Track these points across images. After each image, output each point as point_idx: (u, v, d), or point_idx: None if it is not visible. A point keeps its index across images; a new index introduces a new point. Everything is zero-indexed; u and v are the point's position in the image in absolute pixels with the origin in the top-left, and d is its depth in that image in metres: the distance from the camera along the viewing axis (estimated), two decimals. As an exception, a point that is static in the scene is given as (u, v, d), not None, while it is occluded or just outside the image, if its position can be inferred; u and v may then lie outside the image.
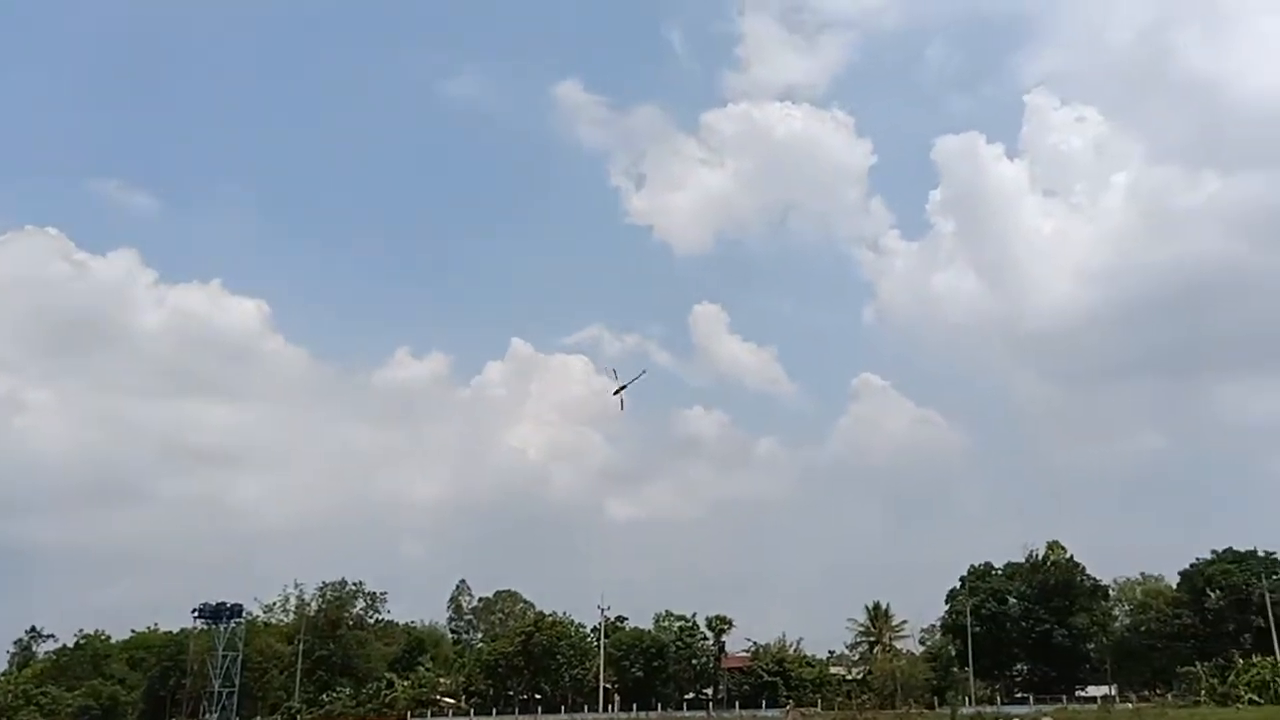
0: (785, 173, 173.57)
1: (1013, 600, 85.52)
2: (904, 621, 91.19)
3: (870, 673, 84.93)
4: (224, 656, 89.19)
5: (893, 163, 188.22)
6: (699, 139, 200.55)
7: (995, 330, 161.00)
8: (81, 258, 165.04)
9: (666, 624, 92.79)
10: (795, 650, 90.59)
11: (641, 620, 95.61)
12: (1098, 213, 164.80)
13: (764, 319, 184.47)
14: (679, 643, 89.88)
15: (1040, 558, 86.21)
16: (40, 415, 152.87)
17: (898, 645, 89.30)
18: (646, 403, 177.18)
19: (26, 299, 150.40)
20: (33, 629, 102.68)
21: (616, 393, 73.63)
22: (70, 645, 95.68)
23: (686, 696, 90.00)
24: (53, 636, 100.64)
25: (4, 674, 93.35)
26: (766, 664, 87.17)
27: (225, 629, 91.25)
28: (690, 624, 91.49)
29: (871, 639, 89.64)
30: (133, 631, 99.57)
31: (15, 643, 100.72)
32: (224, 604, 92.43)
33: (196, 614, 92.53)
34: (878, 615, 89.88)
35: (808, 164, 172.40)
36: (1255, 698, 61.24)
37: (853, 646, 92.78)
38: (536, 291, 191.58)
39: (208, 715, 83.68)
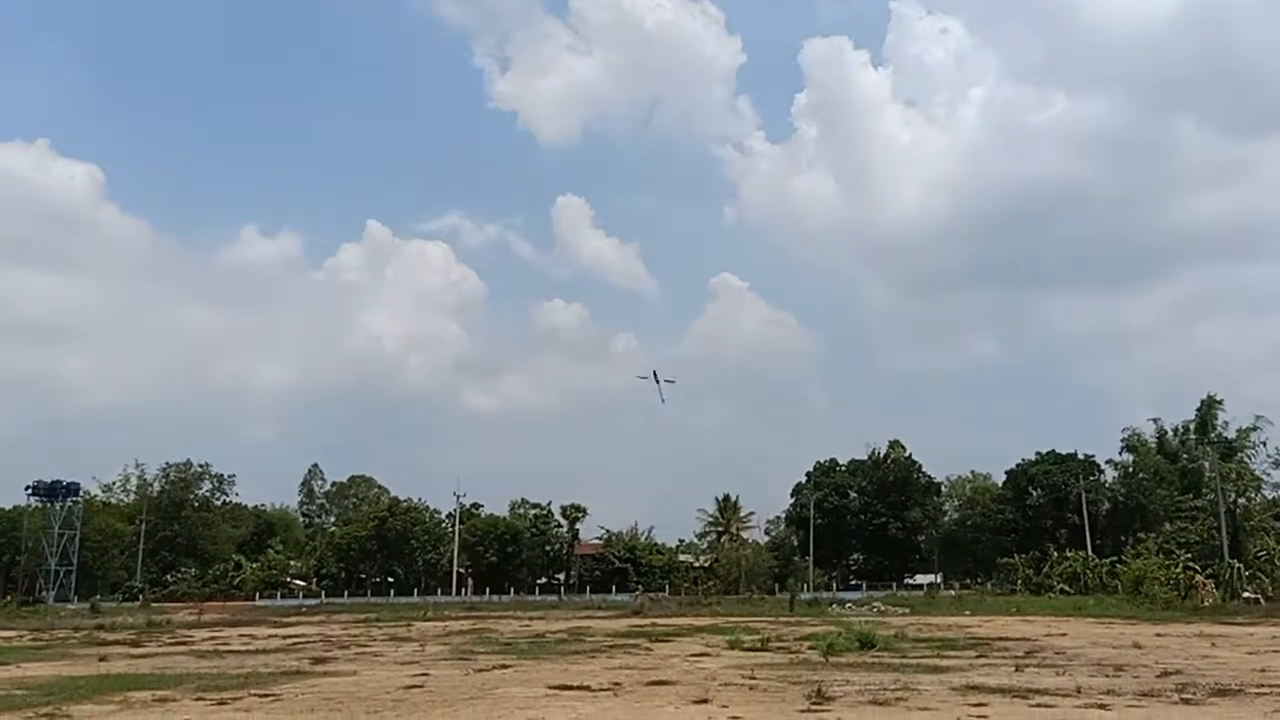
0: (654, 66, 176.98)
1: (854, 495, 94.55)
2: (751, 513, 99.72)
3: (717, 560, 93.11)
4: (60, 535, 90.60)
5: (761, 63, 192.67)
6: (567, 24, 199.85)
7: (849, 236, 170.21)
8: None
9: (522, 511, 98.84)
10: (646, 539, 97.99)
11: (497, 507, 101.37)
12: (954, 125, 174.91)
13: (627, 215, 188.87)
14: (533, 530, 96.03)
15: (881, 455, 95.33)
16: None
17: (744, 535, 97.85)
18: (505, 294, 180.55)
19: None
20: None
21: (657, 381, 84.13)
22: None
23: (539, 581, 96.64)
24: None
25: None
26: (618, 551, 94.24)
27: (61, 507, 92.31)
28: (545, 512, 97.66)
29: (720, 529, 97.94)
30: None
31: None
32: (59, 482, 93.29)
33: (30, 491, 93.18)
34: (726, 507, 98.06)
35: (676, 58, 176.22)
36: (1066, 588, 69.05)
37: (701, 536, 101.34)
38: (395, 173, 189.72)
39: (45, 593, 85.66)
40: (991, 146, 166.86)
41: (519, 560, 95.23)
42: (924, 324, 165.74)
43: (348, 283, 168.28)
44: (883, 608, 51.89)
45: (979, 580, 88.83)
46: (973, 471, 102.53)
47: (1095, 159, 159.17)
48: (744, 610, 52.56)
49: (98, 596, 77.65)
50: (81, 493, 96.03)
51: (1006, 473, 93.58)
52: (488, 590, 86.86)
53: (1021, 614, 46.54)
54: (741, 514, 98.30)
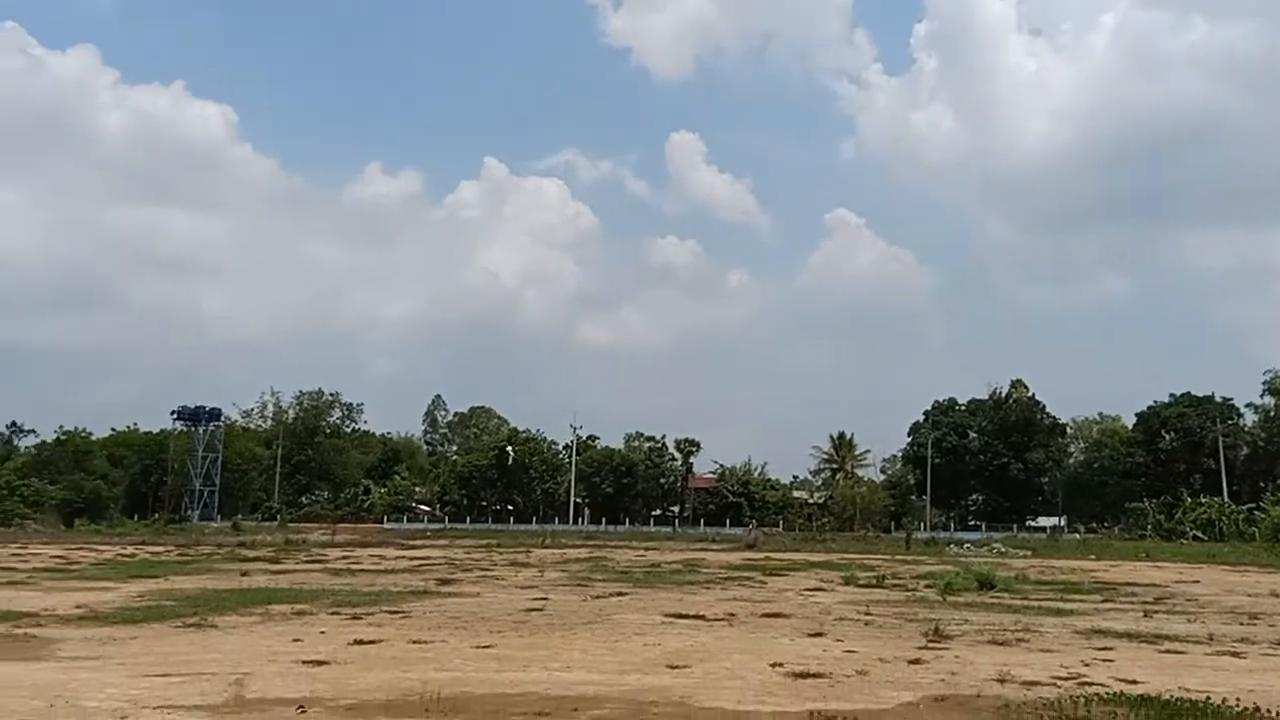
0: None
1: (973, 435, 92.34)
2: (866, 451, 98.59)
3: (831, 498, 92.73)
4: (204, 457, 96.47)
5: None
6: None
7: (971, 171, 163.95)
8: (39, 53, 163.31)
9: (636, 444, 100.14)
10: (760, 474, 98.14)
11: (612, 440, 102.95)
12: (1082, 53, 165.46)
13: (741, 150, 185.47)
14: (648, 462, 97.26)
15: (1003, 395, 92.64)
16: (6, 215, 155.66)
17: (859, 473, 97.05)
18: (619, 231, 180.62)
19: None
20: (13, 423, 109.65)
21: None
22: (51, 441, 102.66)
23: (653, 513, 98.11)
24: (33, 432, 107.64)
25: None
26: (732, 486, 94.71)
27: (204, 431, 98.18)
28: (659, 445, 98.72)
29: (834, 466, 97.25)
30: (113, 430, 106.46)
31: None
32: (202, 408, 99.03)
33: (175, 416, 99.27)
34: (841, 444, 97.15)
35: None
36: (1199, 535, 66.65)
37: (816, 473, 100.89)
38: (511, 111, 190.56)
39: (190, 512, 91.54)
40: (1123, 75, 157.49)
41: (634, 492, 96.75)
42: (1049, 260, 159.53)
43: (466, 219, 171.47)
44: (1003, 549, 50.86)
45: (1105, 525, 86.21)
46: (1100, 413, 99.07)
47: (1235, 87, 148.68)
48: (858, 548, 52.29)
49: (238, 516, 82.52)
50: (222, 418, 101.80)
51: (1137, 415, 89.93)
52: (604, 520, 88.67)
53: (1151, 560, 44.94)
54: (856, 452, 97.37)
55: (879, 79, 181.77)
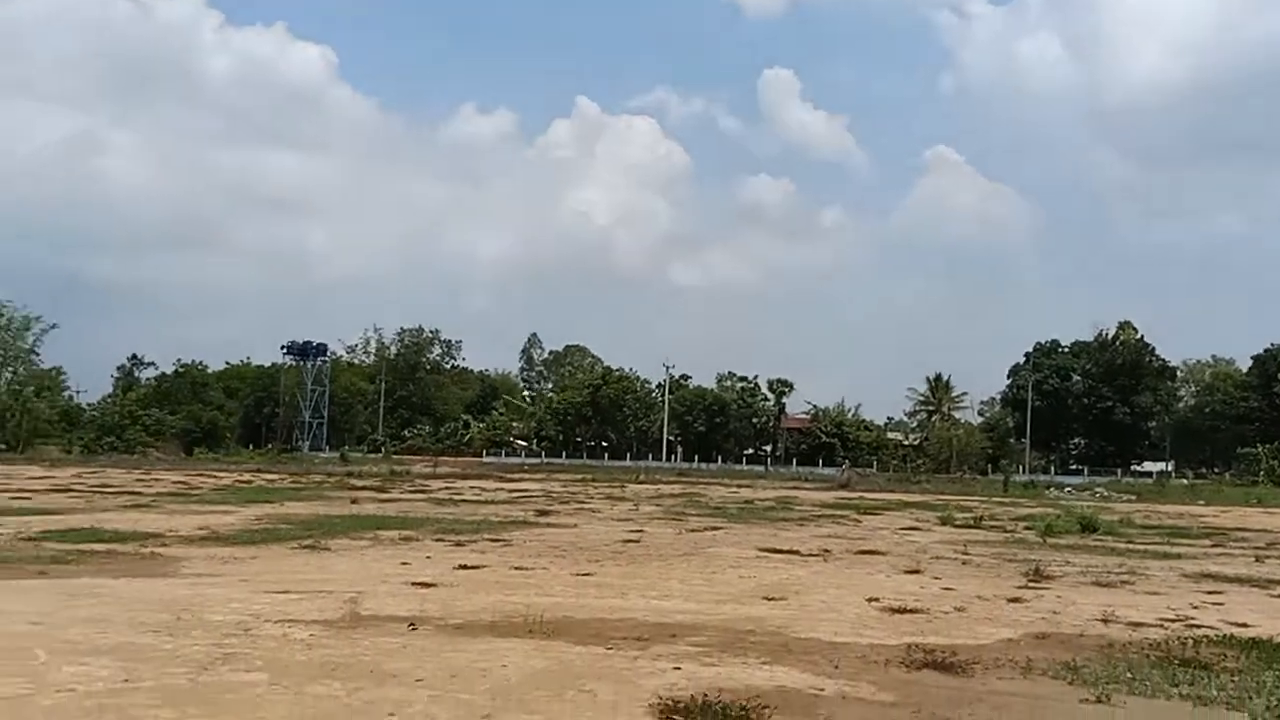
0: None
1: (1076, 377, 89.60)
2: (964, 393, 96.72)
3: (927, 440, 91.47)
4: (312, 391, 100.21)
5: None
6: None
7: (1078, 104, 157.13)
8: None
9: (728, 384, 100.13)
10: (853, 415, 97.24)
11: (704, 379, 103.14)
12: None
13: (836, 86, 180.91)
14: (740, 402, 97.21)
15: (1109, 337, 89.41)
16: (119, 157, 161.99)
17: (955, 415, 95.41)
18: (711, 170, 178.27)
19: (92, 38, 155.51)
20: (134, 356, 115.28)
21: None
22: (170, 373, 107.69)
23: (745, 452, 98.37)
24: (153, 364, 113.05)
25: (110, 396, 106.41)
26: (825, 426, 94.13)
27: (312, 366, 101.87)
28: (752, 385, 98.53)
29: (930, 408, 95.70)
30: (227, 364, 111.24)
31: (119, 368, 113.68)
32: (310, 342, 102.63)
33: (285, 350, 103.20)
34: (938, 386, 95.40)
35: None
36: None
37: (911, 415, 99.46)
38: (603, 49, 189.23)
39: (300, 442, 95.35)
40: (1244, 4, 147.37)
41: (726, 431, 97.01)
42: (1160, 196, 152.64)
43: (559, 159, 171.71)
44: (1105, 493, 49.57)
45: (1215, 470, 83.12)
46: (1213, 356, 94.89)
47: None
48: (954, 490, 51.59)
49: (345, 447, 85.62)
50: (329, 353, 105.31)
51: (1253, 358, 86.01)
52: (695, 458, 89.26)
53: (1263, 506, 43.25)
54: (953, 394, 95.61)
55: (981, 9, 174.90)
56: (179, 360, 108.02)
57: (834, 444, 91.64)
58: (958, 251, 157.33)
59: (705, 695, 7.05)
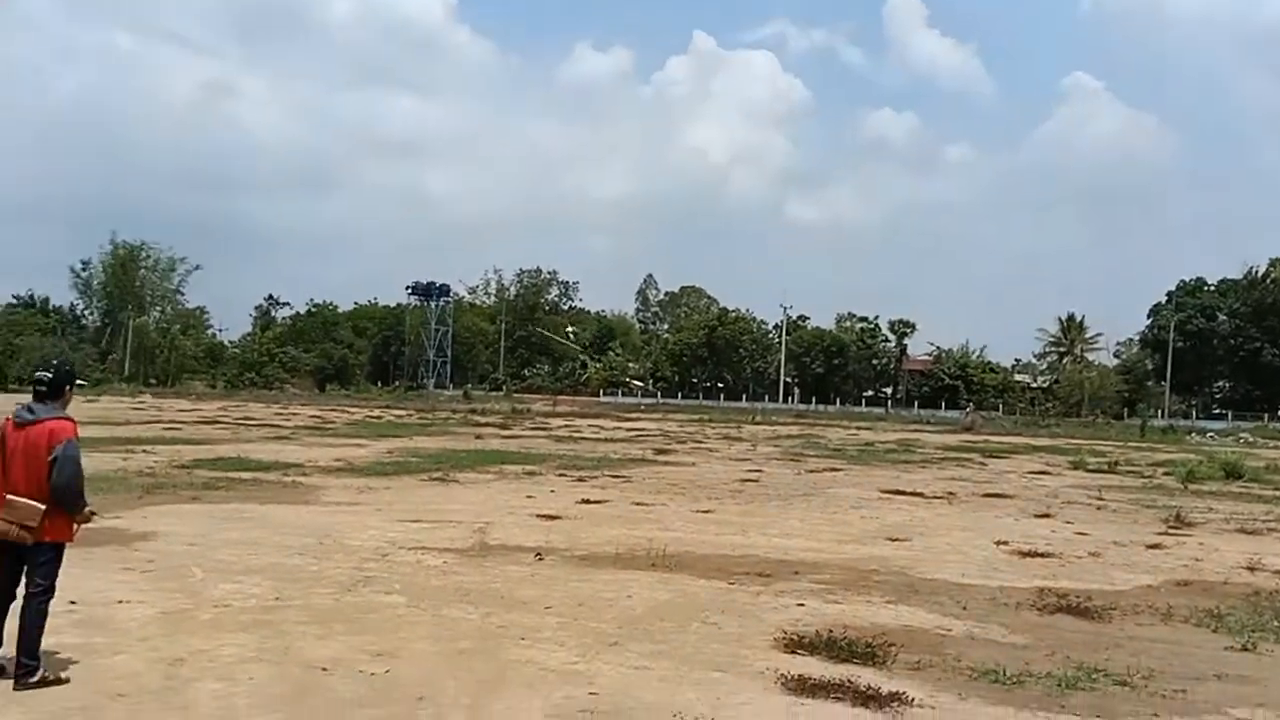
0: None
1: (1223, 317, 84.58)
2: (1098, 334, 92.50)
3: (1057, 382, 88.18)
4: (436, 330, 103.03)
5: None
6: None
7: (1227, 24, 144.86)
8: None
9: (848, 324, 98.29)
10: (978, 356, 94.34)
11: (823, 320, 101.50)
12: None
13: (966, 11, 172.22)
14: (859, 343, 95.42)
15: (1259, 275, 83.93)
16: (247, 101, 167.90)
17: (1089, 357, 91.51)
18: (831, 104, 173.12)
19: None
20: (270, 296, 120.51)
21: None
22: (303, 312, 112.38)
23: (865, 394, 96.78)
24: (288, 304, 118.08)
25: (249, 334, 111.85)
26: (948, 368, 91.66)
27: (435, 306, 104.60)
28: (872, 326, 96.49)
29: (1061, 349, 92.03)
30: (355, 303, 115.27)
31: (256, 308, 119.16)
32: (433, 283, 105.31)
33: (410, 290, 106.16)
34: (1070, 326, 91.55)
35: None
36: None
37: (1040, 356, 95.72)
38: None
39: (425, 380, 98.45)
40: None
41: (845, 372, 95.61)
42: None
43: (675, 96, 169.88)
44: (1251, 439, 47.06)
45: (1376, 418, 77.70)
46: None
47: None
48: (1086, 434, 49.80)
49: (468, 385, 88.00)
50: (451, 294, 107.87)
51: None
52: (813, 400, 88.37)
53: None
54: (1087, 334, 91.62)
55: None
56: (311, 300, 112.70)
57: (958, 386, 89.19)
58: (1095, 185, 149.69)
59: (830, 631, 7.06)
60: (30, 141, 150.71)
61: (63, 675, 5.43)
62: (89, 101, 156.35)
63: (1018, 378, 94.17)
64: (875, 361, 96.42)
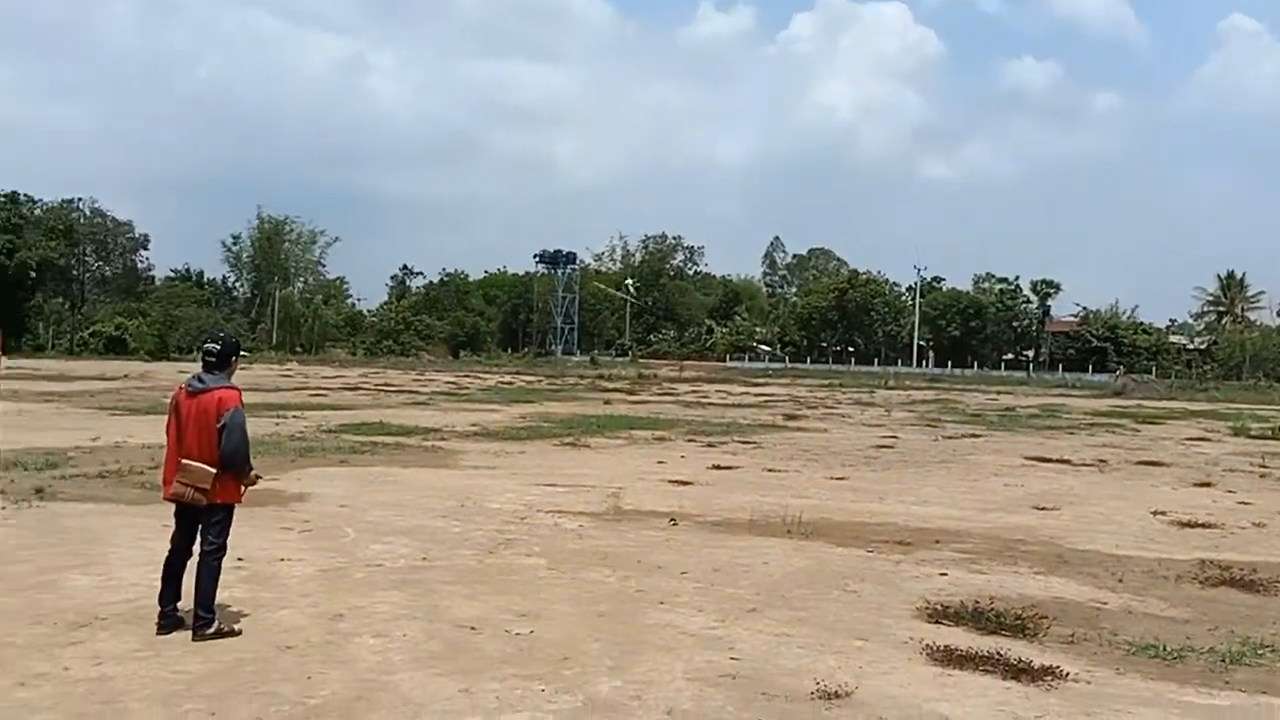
0: None
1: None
2: (1260, 292, 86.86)
3: (1215, 343, 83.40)
4: (563, 297, 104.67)
5: None
6: None
7: None
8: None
9: (986, 285, 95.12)
10: (1128, 317, 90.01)
11: (959, 281, 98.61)
12: None
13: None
14: (998, 304, 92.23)
15: None
16: (380, 76, 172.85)
17: (1250, 316, 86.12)
18: (967, 56, 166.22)
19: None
20: (405, 266, 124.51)
21: None
22: (436, 282, 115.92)
23: (1005, 357, 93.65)
24: (421, 273, 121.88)
25: (386, 303, 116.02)
26: (1095, 329, 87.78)
27: (562, 273, 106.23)
28: (1012, 286, 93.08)
29: (1220, 309, 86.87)
30: (485, 272, 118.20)
31: (392, 278, 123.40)
32: (560, 251, 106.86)
33: (537, 259, 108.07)
34: (1230, 284, 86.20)
35: None
36: None
37: (1197, 316, 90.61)
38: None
39: (553, 346, 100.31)
40: None
41: (983, 335, 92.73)
42: None
43: (800, 54, 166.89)
44: None
45: None
46: None
47: None
48: (1248, 398, 46.98)
49: (595, 351, 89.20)
50: (577, 261, 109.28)
51: None
52: (949, 363, 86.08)
53: None
54: (1248, 293, 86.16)
55: None
56: (443, 269, 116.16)
57: (1106, 348, 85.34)
58: (1256, 134, 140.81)
59: (976, 602, 6.92)
60: (182, 123, 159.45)
61: (235, 628, 5.82)
62: (233, 82, 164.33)
63: (1173, 339, 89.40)
64: (1015, 323, 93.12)
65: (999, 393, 47.43)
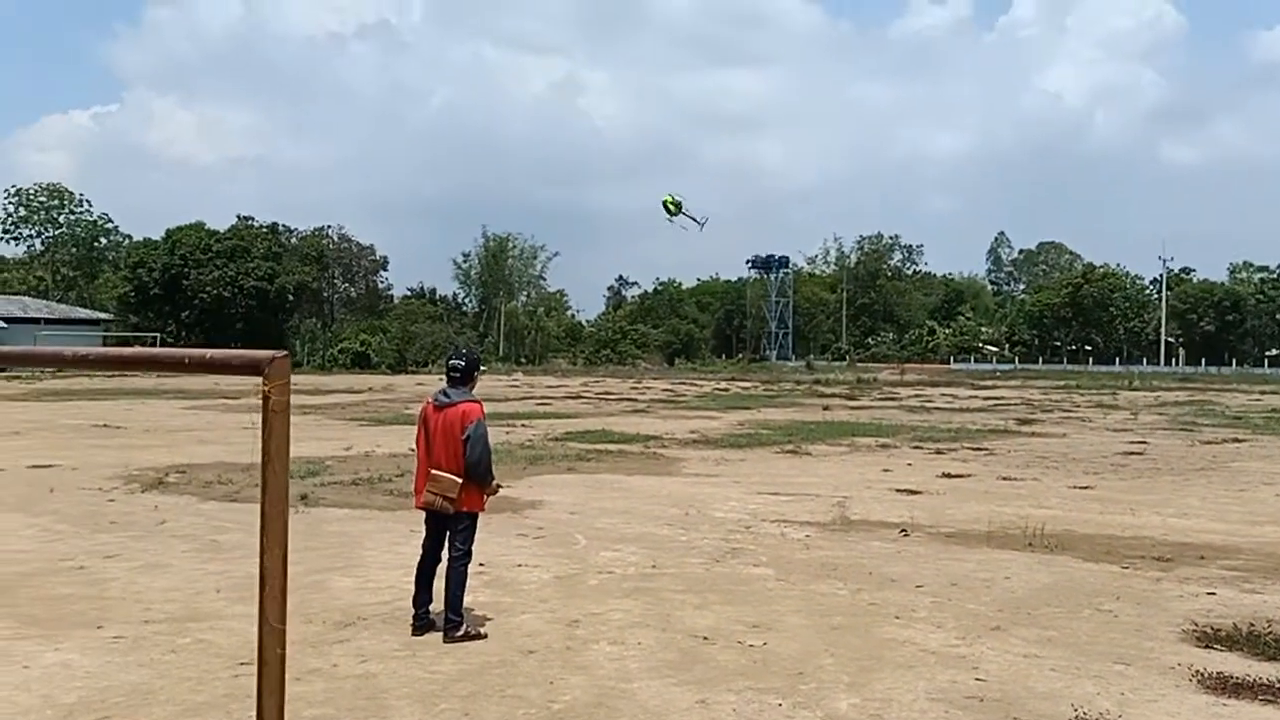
0: None
1: None
2: None
3: None
4: (776, 302, 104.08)
5: None
6: None
7: None
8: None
9: (1243, 275, 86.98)
10: None
11: (1212, 272, 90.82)
12: None
13: None
14: (1260, 295, 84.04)
15: None
16: (596, 94, 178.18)
17: None
18: (1210, 27, 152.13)
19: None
20: (621, 277, 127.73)
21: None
22: (650, 291, 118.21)
23: (1268, 354, 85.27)
24: (636, 283, 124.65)
25: (603, 314, 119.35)
26: (1379, 319, 78.56)
27: (775, 278, 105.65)
28: (1275, 275, 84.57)
29: None
30: (698, 280, 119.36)
31: (609, 288, 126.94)
32: (772, 256, 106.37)
33: (750, 264, 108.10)
34: None
35: None
36: None
37: None
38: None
39: (768, 352, 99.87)
40: None
41: (1242, 330, 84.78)
42: None
43: (1022, 39, 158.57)
44: None
45: None
46: None
47: None
48: None
49: (810, 356, 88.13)
50: (790, 265, 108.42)
51: None
52: (1202, 361, 79.26)
53: None
54: None
55: None
56: (657, 279, 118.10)
57: (1392, 341, 76.23)
58: None
59: (1251, 624, 6.31)
60: (416, 151, 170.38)
61: (482, 630, 6.13)
62: (460, 111, 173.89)
63: None
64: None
65: (1264, 392, 43.14)
